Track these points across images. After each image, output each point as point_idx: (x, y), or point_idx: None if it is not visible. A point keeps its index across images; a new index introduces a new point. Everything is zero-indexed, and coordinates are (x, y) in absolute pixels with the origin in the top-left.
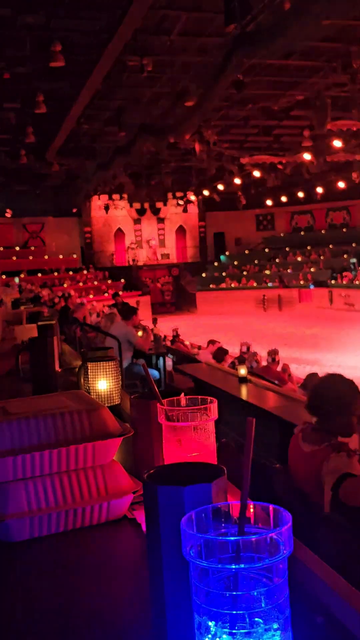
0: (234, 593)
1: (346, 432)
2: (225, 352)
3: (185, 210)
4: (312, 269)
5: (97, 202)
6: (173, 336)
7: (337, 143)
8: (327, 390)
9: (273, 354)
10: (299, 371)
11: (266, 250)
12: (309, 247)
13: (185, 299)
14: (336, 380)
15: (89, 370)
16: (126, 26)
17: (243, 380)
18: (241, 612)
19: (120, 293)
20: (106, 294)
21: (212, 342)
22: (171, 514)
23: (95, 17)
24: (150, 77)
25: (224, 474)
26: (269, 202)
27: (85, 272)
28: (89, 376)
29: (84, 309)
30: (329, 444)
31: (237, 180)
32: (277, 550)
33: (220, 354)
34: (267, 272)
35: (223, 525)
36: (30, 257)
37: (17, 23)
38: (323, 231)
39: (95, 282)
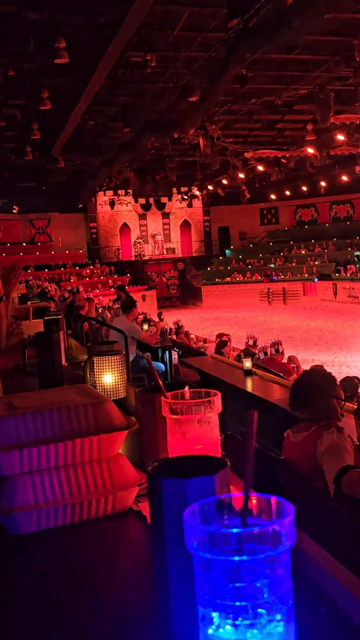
0: (237, 585)
1: (330, 414)
2: (225, 343)
3: (189, 205)
4: (316, 262)
5: (103, 198)
6: (175, 328)
7: (341, 137)
8: (303, 383)
9: (276, 345)
10: (305, 364)
11: (270, 243)
12: (312, 241)
13: (190, 293)
14: (312, 373)
15: (95, 365)
16: (130, 22)
17: (248, 372)
18: (244, 603)
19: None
20: (112, 289)
21: (220, 335)
22: (175, 506)
23: (98, 13)
24: (154, 73)
25: (227, 467)
26: (273, 196)
27: (91, 267)
28: (95, 370)
29: (92, 304)
30: (318, 426)
31: (241, 175)
32: (280, 542)
33: (219, 346)
34: (272, 265)
35: (226, 517)
36: (37, 253)
37: (21, 19)
38: (327, 224)
39: (101, 277)
